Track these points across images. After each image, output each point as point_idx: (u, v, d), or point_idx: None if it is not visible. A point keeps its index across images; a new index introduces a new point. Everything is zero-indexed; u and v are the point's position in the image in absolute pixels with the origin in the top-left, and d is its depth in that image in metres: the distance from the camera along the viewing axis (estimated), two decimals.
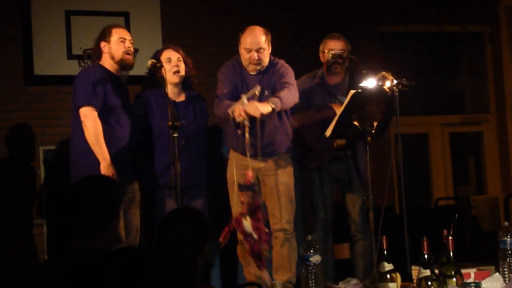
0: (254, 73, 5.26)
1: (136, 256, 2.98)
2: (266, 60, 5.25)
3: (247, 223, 4.67)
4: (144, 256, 3.00)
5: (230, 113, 4.94)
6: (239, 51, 5.27)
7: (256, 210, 4.78)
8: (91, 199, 2.99)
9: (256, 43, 5.18)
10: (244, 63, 5.26)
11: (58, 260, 3.02)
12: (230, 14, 7.25)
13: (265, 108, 4.95)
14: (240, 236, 4.93)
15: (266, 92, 5.20)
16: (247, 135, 4.88)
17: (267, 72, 5.27)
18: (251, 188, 4.65)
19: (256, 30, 5.22)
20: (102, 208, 3.00)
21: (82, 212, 2.98)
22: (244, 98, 4.90)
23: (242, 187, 4.64)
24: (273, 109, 4.99)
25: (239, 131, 4.96)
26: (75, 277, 2.87)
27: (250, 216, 4.72)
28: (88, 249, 2.94)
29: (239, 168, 5.15)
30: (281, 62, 5.35)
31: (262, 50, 5.20)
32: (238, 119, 4.90)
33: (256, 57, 5.18)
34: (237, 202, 4.86)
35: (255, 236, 4.69)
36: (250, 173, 4.69)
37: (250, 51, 5.18)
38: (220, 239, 4.79)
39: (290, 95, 5.15)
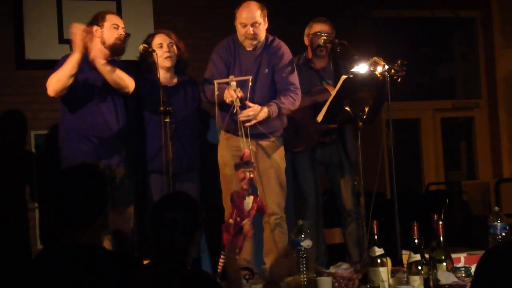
0: (250, 48, 5.26)
1: (132, 260, 2.98)
2: (262, 35, 5.25)
3: (250, 201, 4.63)
4: (139, 262, 2.99)
5: (216, 84, 4.93)
6: (235, 27, 5.27)
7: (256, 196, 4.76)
8: (79, 192, 2.95)
9: (251, 18, 5.17)
10: (240, 38, 5.25)
11: (52, 254, 3.00)
12: None
13: (262, 114, 4.99)
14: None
15: (266, 70, 5.22)
16: (238, 115, 4.88)
17: (266, 50, 5.27)
18: (250, 164, 4.65)
19: (252, 5, 5.21)
20: (91, 200, 2.96)
21: (72, 206, 2.95)
22: (232, 79, 4.89)
23: (240, 165, 4.63)
24: (269, 116, 5.03)
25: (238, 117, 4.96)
26: (69, 273, 2.87)
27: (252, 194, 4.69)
28: (83, 245, 2.93)
29: (232, 148, 5.16)
30: (283, 45, 5.34)
31: (257, 25, 5.19)
32: (227, 100, 4.91)
33: (252, 32, 5.18)
34: (235, 181, 4.84)
35: (248, 221, 4.68)
36: (247, 150, 4.70)
37: (245, 25, 5.18)
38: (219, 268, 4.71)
39: (292, 105, 5.17)
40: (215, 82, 4.97)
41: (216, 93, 4.94)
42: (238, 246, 4.52)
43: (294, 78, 5.28)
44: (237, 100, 4.86)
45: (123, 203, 5.14)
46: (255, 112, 4.96)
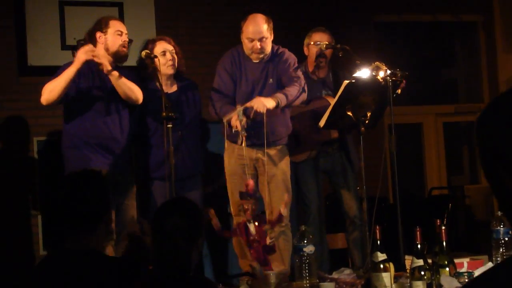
0: (257, 61, 5.25)
1: (133, 266, 2.98)
2: (268, 48, 5.24)
3: (252, 228, 4.68)
4: (140, 267, 2.99)
5: (225, 122, 4.96)
6: (241, 40, 5.25)
7: (260, 216, 4.80)
8: (82, 198, 2.95)
9: (258, 33, 5.15)
10: (247, 51, 5.24)
11: (55, 260, 3.00)
12: (225, 4, 7.23)
13: (270, 103, 4.98)
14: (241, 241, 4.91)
15: (271, 80, 5.22)
16: (244, 144, 4.89)
17: (271, 61, 5.27)
18: (253, 196, 4.68)
19: (258, 19, 5.18)
20: (93, 206, 2.96)
21: (74, 212, 2.95)
22: (240, 108, 4.90)
23: (244, 195, 4.65)
24: (277, 105, 5.01)
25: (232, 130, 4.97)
26: (72, 279, 2.86)
27: (254, 221, 4.73)
28: (85, 251, 2.93)
29: (237, 158, 5.16)
30: (287, 51, 5.34)
31: (264, 39, 5.17)
32: (234, 129, 4.91)
33: (259, 46, 5.16)
34: (238, 210, 4.88)
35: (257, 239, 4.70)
36: (251, 182, 4.71)
37: (252, 40, 5.16)
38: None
39: (295, 91, 5.16)
40: (224, 120, 4.97)
41: (226, 127, 4.95)
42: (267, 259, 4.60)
43: (299, 73, 5.28)
44: (243, 131, 4.87)
45: (126, 209, 5.13)
46: (260, 104, 4.97)
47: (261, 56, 5.23)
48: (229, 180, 5.25)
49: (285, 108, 5.23)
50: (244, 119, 4.87)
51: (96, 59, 4.98)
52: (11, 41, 6.51)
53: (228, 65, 5.27)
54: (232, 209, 5.18)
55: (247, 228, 4.66)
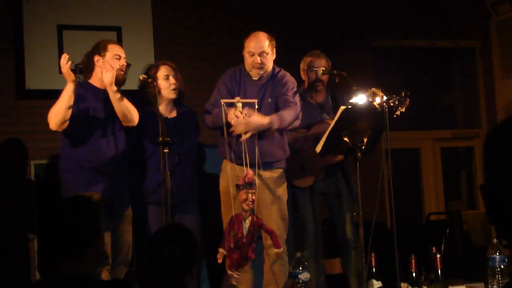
0: (257, 78, 5.27)
1: None
2: (269, 65, 5.27)
3: (245, 225, 4.66)
4: None
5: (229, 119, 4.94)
6: (243, 56, 5.30)
7: (256, 219, 4.76)
8: (70, 222, 2.95)
9: (259, 47, 5.21)
10: (247, 67, 5.27)
11: (46, 286, 2.99)
12: (223, 29, 7.26)
13: (264, 120, 4.98)
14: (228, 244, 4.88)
15: (270, 99, 5.23)
16: (243, 137, 4.88)
17: (271, 80, 5.29)
18: (254, 185, 4.65)
19: (260, 35, 5.26)
20: (83, 230, 2.96)
21: (63, 236, 2.95)
22: (239, 100, 4.91)
23: (244, 185, 4.62)
24: (269, 125, 5.00)
25: (226, 136, 4.94)
26: None
27: (251, 219, 4.69)
28: (75, 276, 2.92)
29: (234, 178, 5.13)
30: (288, 75, 5.36)
31: (265, 54, 5.22)
32: (232, 121, 4.90)
33: (259, 61, 5.20)
34: (236, 203, 4.82)
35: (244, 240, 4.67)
36: (251, 172, 4.69)
37: (253, 54, 5.21)
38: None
39: (291, 116, 5.16)
40: (222, 101, 4.97)
41: (223, 113, 4.93)
42: (237, 267, 4.54)
43: (296, 98, 5.28)
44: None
45: (122, 234, 5.12)
46: (244, 120, 4.93)
47: (261, 72, 5.25)
48: (223, 200, 5.23)
49: (280, 130, 5.22)
50: (245, 111, 4.88)
51: (102, 67, 4.98)
52: (9, 64, 6.52)
53: (228, 80, 5.31)
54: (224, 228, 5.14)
55: (231, 228, 4.63)
